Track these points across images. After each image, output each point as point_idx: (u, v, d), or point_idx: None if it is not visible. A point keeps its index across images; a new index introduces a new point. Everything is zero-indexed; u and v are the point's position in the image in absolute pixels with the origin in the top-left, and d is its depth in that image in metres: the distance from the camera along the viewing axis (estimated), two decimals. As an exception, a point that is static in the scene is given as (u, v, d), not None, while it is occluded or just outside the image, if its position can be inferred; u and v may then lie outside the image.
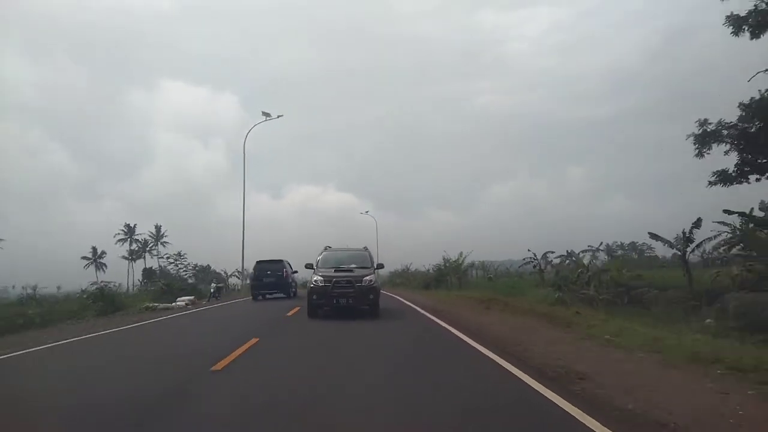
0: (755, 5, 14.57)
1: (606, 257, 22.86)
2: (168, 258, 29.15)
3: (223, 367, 6.62)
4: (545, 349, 7.83)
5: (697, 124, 15.66)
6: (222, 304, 21.27)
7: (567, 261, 33.49)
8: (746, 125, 15.31)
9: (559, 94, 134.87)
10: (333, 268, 13.62)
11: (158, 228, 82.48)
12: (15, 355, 8.89)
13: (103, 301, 17.18)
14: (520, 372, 6.21)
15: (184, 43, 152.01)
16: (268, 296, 23.24)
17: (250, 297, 23.95)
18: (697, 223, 22.91)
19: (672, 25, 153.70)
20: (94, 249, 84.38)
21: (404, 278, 44.46)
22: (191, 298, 22.34)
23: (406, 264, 47.84)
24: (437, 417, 4.57)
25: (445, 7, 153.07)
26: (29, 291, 44.66)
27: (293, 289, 24.24)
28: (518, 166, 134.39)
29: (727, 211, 18.56)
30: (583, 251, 24.12)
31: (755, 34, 15.30)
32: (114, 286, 24.10)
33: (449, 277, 33.34)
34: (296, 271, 25.00)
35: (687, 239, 23.35)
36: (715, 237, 20.61)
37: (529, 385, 5.57)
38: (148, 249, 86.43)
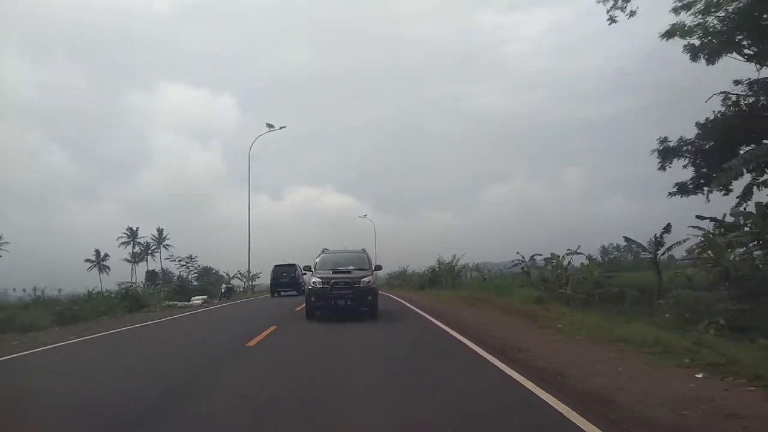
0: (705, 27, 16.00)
1: (586, 259, 24.78)
2: (180, 260, 31.12)
3: (254, 344, 8.83)
4: (505, 334, 9.99)
5: (658, 141, 17.80)
6: (233, 302, 23.51)
7: (554, 262, 35.46)
8: (702, 143, 17.43)
9: (559, 95, 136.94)
10: (331, 269, 13.79)
11: (160, 231, 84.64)
12: (101, 335, 11.41)
13: (129, 300, 19.41)
14: (477, 347, 8.39)
15: (184, 44, 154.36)
16: (282, 293, 27.46)
17: (257, 297, 26.45)
18: (667, 228, 25.12)
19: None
20: (97, 252, 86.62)
21: (401, 280, 46.38)
22: (204, 297, 24.58)
23: (403, 266, 49.77)
24: (409, 360, 7.02)
25: (445, 7, 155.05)
26: (38, 293, 46.68)
27: (303, 288, 27.11)
28: (518, 167, 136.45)
29: (700, 217, 20.65)
30: (566, 254, 25.99)
31: (710, 61, 17.41)
32: (138, 287, 26.24)
33: (444, 279, 35.39)
34: (305, 273, 27.87)
35: (658, 243, 25.61)
36: (684, 241, 22.63)
37: (480, 354, 7.73)
38: (150, 252, 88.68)
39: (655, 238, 25.73)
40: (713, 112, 17.38)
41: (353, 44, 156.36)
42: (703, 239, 23.45)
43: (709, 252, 21.21)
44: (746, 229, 16.51)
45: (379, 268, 15.96)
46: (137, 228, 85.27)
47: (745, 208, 16.38)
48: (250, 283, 36.43)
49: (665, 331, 10.16)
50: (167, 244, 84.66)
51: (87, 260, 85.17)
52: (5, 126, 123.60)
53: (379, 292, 15.22)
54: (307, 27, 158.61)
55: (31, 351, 9.28)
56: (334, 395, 5.61)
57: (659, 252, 25.32)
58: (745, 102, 16.32)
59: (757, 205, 15.83)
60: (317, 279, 13.26)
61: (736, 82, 16.72)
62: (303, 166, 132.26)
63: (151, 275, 75.04)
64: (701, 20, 14.10)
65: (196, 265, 31.10)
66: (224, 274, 58.56)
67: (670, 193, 18.29)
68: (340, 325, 12.12)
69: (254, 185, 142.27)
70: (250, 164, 34.41)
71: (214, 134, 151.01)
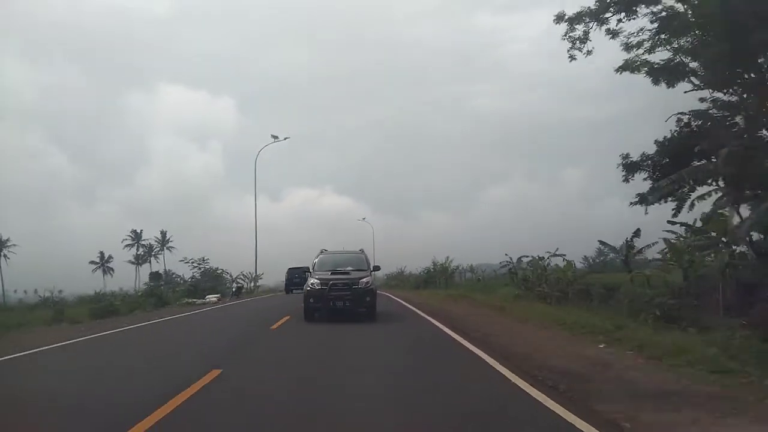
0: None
1: (563, 260, 27.21)
2: (193, 262, 33.65)
3: (276, 328, 11.49)
4: (473, 320, 12.62)
5: (621, 157, 20.26)
6: (243, 300, 26.12)
7: (540, 263, 38.03)
8: (659, 159, 19.93)
9: (559, 95, 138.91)
10: (329, 270, 13.89)
11: (164, 233, 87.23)
12: (154, 322, 14.30)
13: (155, 298, 22.05)
14: (447, 329, 11.03)
15: (183, 45, 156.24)
16: (295, 291, 30.82)
17: (261, 296, 29.08)
18: (637, 233, 27.81)
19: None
20: (102, 254, 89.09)
21: (399, 280, 48.95)
22: (218, 295, 27.18)
23: (400, 267, 52.29)
24: (397, 339, 9.41)
25: (445, 7, 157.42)
26: (47, 294, 49.06)
27: None
28: (517, 167, 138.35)
29: (671, 222, 23.20)
30: (550, 255, 28.51)
31: (670, 85, 19.87)
32: (163, 287, 28.85)
33: (438, 279, 37.96)
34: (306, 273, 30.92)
35: (629, 246, 28.23)
36: (654, 244, 25.23)
37: (448, 333, 10.33)
38: (153, 254, 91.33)
39: (626, 241, 28.47)
40: (670, 130, 19.88)
41: (353, 45, 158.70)
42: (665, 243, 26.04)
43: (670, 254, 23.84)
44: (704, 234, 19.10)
45: (377, 268, 16.01)
46: (141, 230, 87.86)
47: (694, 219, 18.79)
48: (255, 283, 38.94)
49: (603, 319, 12.73)
50: (170, 246, 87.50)
51: (91, 262, 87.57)
52: (4, 126, 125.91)
53: (378, 291, 15.34)
54: (306, 27, 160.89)
55: (113, 331, 12.26)
56: (338, 354, 8.26)
57: (630, 254, 28.08)
58: (695, 123, 18.79)
59: (702, 214, 18.41)
60: (315, 280, 13.36)
61: (701, 100, 19.24)
62: (302, 167, 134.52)
63: (154, 276, 77.59)
64: (645, 59, 16.60)
65: (208, 267, 33.64)
66: (227, 275, 61.24)
67: (631, 203, 20.72)
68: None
69: (252, 187, 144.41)
70: (256, 174, 36.78)
71: (214, 135, 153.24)
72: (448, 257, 38.18)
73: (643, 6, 15.80)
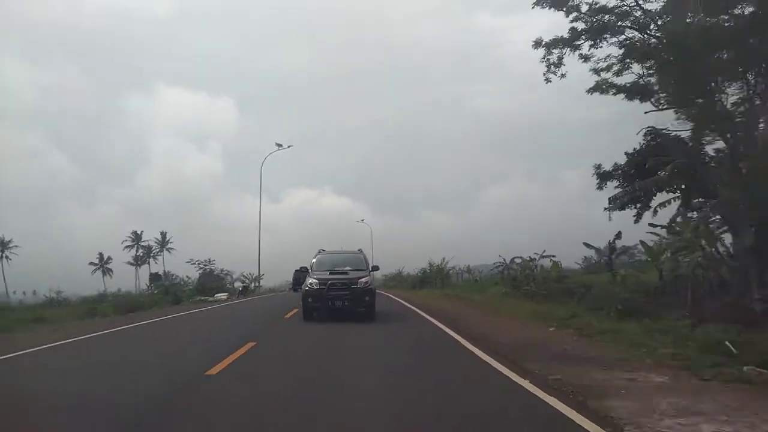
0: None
1: (550, 261, 29.53)
2: (199, 263, 35.97)
3: (289, 317, 13.83)
4: (454, 312, 14.93)
5: (594, 167, 22.59)
6: (250, 299, 28.48)
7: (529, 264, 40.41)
8: (627, 169, 22.27)
9: (559, 95, 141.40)
10: (328, 270, 14.09)
11: (164, 234, 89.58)
12: (180, 315, 16.74)
13: (171, 296, 24.39)
14: (433, 318, 13.34)
15: (183, 46, 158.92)
16: (299, 290, 32.61)
17: (262, 296, 31.43)
18: (618, 235, 30.17)
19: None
20: (101, 255, 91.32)
21: (397, 281, 51.28)
22: (226, 294, 29.53)
23: (399, 268, 54.62)
24: (390, 325, 11.78)
25: (445, 7, 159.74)
26: (52, 294, 51.28)
27: None
28: (517, 168, 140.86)
29: (652, 225, 25.56)
30: (540, 256, 30.85)
31: (642, 100, 22.19)
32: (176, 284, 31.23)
33: (434, 279, 40.30)
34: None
35: (611, 248, 30.62)
36: (633, 246, 27.60)
37: (433, 322, 12.70)
38: (152, 255, 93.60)
39: (609, 243, 30.87)
40: (639, 143, 22.21)
41: (353, 45, 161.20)
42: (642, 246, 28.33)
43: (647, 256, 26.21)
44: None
45: (376, 268, 16.37)
46: (141, 232, 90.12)
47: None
48: (258, 283, 41.25)
49: (567, 311, 15.10)
50: (170, 248, 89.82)
51: (91, 263, 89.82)
52: (4, 126, 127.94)
53: (377, 291, 15.54)
54: (306, 27, 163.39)
55: (156, 319, 14.85)
56: (341, 332, 10.61)
57: (613, 255, 30.48)
58: (657, 139, 21.09)
59: (671, 219, 20.73)
60: (314, 280, 13.54)
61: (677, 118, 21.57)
62: (302, 168, 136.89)
63: (155, 277, 79.82)
64: (613, 82, 18.94)
65: (213, 268, 35.98)
66: (227, 276, 63.49)
67: (605, 208, 23.03)
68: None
69: (252, 187, 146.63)
70: (261, 180, 39.14)
71: (214, 135, 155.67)
72: (444, 258, 40.57)
73: (608, 35, 18.14)
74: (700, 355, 8.07)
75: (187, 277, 43.51)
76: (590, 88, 19.67)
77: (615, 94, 19.22)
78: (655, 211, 20.66)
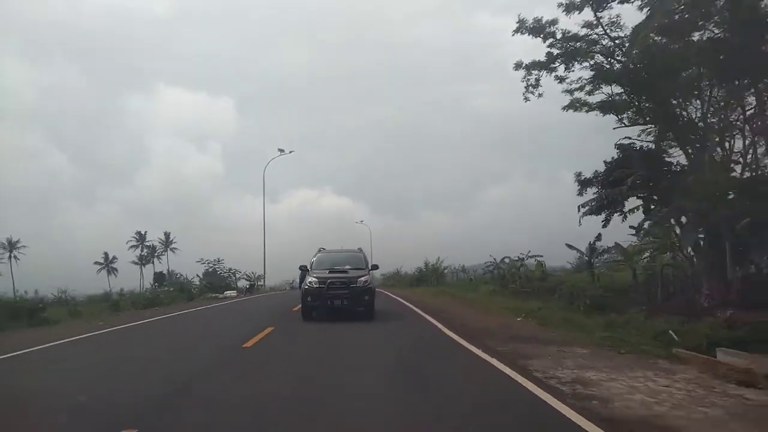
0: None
1: (535, 261, 31.90)
2: (208, 263, 38.34)
3: (296, 311, 16.12)
4: (440, 307, 17.26)
5: (575, 174, 24.89)
6: (256, 296, 30.81)
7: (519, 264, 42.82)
8: (606, 177, 24.57)
9: (559, 95, 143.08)
10: (327, 269, 14.22)
11: (167, 235, 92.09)
12: (202, 308, 19.07)
13: (185, 293, 26.78)
14: (421, 311, 15.68)
15: (183, 46, 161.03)
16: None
17: (268, 293, 33.85)
18: (598, 237, 32.48)
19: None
20: (106, 254, 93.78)
21: (395, 280, 53.64)
22: (235, 292, 31.93)
23: (397, 267, 56.94)
24: (386, 316, 14.15)
25: (445, 7, 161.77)
26: (58, 294, 53.63)
27: None
28: (517, 168, 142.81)
29: (633, 227, 27.88)
30: (528, 257, 33.24)
31: (617, 114, 24.43)
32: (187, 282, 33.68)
33: (429, 278, 42.64)
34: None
35: (592, 249, 32.93)
36: (611, 248, 29.84)
37: (421, 314, 15.06)
38: (156, 255, 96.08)
39: (590, 244, 33.18)
40: (616, 153, 24.49)
41: (353, 45, 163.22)
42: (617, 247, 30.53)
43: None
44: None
45: (375, 267, 16.53)
46: (146, 232, 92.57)
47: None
48: (263, 282, 43.60)
49: (539, 305, 17.42)
50: (174, 248, 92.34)
51: (96, 262, 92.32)
52: (4, 126, 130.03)
53: (376, 289, 15.79)
54: (306, 27, 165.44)
55: (183, 312, 17.48)
56: (342, 317, 12.97)
57: (593, 256, 32.75)
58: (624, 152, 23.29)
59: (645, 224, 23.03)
60: (313, 279, 13.62)
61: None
62: (302, 168, 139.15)
63: (159, 276, 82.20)
64: (586, 100, 21.24)
65: (223, 267, 38.42)
66: (234, 275, 65.68)
67: (584, 213, 25.31)
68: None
69: (252, 187, 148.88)
70: (264, 184, 41.37)
71: (213, 136, 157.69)
72: (439, 258, 42.92)
73: (580, 60, 20.43)
74: (643, 339, 10.16)
75: (198, 275, 45.89)
76: (565, 106, 21.98)
77: (587, 111, 21.54)
78: (625, 216, 23.03)
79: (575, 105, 21.66)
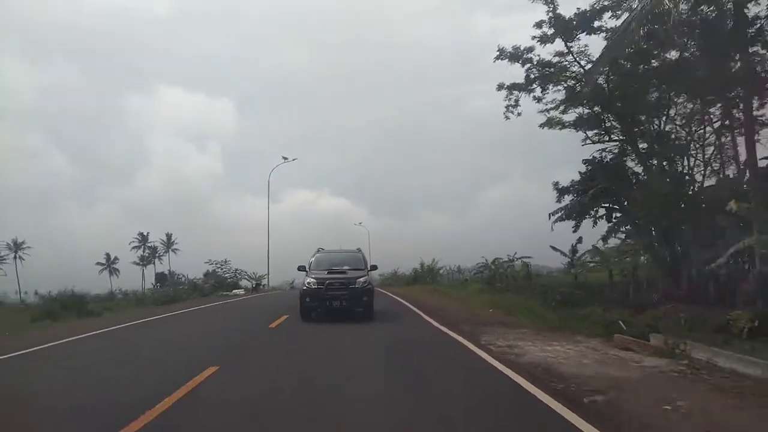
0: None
1: (521, 262, 34.94)
2: (216, 263, 41.40)
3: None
4: (429, 302, 20.26)
5: (552, 183, 27.82)
6: (262, 294, 33.78)
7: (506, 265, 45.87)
8: (580, 186, 27.53)
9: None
10: (326, 270, 14.30)
11: (169, 236, 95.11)
12: (220, 303, 22.17)
13: (198, 291, 29.84)
14: (411, 305, 18.73)
15: (183, 46, 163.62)
16: None
17: (273, 292, 36.84)
18: (579, 240, 35.48)
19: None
20: (108, 255, 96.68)
21: (393, 280, 56.62)
22: (243, 290, 34.98)
23: (394, 268, 59.89)
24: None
25: (445, 7, 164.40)
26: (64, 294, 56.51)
27: None
28: (517, 168, 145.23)
29: (618, 230, 30.86)
30: (516, 258, 36.25)
31: (589, 129, 27.28)
32: (202, 282, 36.81)
33: (425, 278, 45.62)
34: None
35: (573, 252, 35.95)
36: (589, 251, 32.82)
37: (412, 309, 18.09)
38: (157, 255, 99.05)
39: (572, 246, 36.21)
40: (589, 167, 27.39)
41: (353, 45, 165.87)
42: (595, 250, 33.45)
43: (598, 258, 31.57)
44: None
45: (374, 267, 16.69)
46: (148, 233, 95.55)
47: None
48: (268, 282, 46.53)
49: (512, 300, 20.41)
50: (175, 249, 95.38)
51: (98, 263, 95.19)
52: (4, 126, 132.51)
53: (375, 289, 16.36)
54: (306, 27, 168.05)
55: (206, 306, 20.41)
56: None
57: (574, 258, 35.77)
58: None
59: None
60: (312, 279, 13.76)
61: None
62: (302, 168, 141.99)
63: (161, 277, 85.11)
64: (560, 119, 24.20)
65: (230, 268, 41.49)
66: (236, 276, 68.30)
67: (555, 220, 28.11)
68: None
69: (252, 187, 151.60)
70: (269, 190, 44.25)
71: (213, 136, 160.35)
72: (434, 259, 45.98)
73: (553, 83, 23.42)
74: (595, 327, 12.83)
75: (201, 276, 48.73)
76: (542, 124, 25.00)
77: (561, 128, 24.54)
78: (596, 222, 26.03)
79: (551, 123, 24.66)
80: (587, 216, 24.50)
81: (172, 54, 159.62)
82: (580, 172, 28.05)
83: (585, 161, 23.97)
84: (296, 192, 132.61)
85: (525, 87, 24.08)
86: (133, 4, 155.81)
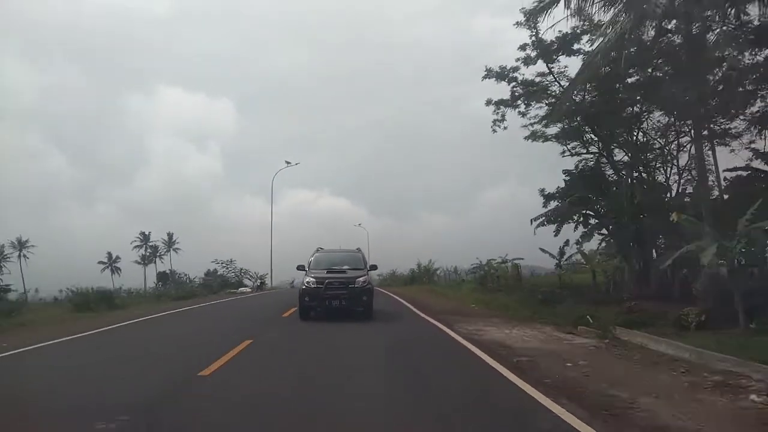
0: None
1: (512, 263, 37.32)
2: (222, 263, 43.99)
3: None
4: (422, 299, 22.82)
5: (539, 190, 30.28)
6: (266, 292, 36.34)
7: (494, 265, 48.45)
8: (565, 192, 30.05)
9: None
10: (325, 269, 14.50)
11: (170, 235, 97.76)
12: (236, 298, 24.75)
13: (207, 288, 32.47)
14: (406, 302, 21.30)
15: (183, 46, 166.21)
16: None
17: (275, 291, 39.41)
18: (567, 243, 38.02)
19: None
20: (110, 254, 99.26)
21: (391, 280, 59.08)
22: (249, 288, 37.54)
23: (393, 269, 62.34)
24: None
25: (445, 8, 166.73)
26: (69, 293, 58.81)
27: None
28: (516, 169, 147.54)
29: (602, 234, 33.37)
30: (508, 259, 38.81)
31: (572, 141, 29.75)
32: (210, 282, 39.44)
33: (422, 278, 48.14)
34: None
35: (561, 253, 38.47)
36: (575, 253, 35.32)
37: (407, 305, 20.64)
38: (158, 255, 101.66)
39: (560, 248, 38.72)
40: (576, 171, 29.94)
41: (353, 45, 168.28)
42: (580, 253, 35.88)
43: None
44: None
45: (374, 267, 16.80)
46: (149, 232, 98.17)
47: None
48: (271, 281, 49.08)
49: (497, 298, 22.94)
50: (177, 248, 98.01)
51: (100, 262, 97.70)
52: (4, 127, 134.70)
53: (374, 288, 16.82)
54: (306, 27, 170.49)
55: (223, 300, 23.24)
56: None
57: (562, 259, 38.26)
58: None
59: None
60: (311, 278, 13.87)
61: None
62: (302, 168, 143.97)
63: (162, 276, 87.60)
64: (544, 132, 26.69)
65: (234, 267, 44.08)
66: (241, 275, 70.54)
67: (537, 225, 30.45)
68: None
69: (252, 187, 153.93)
70: (273, 195, 46.82)
71: (213, 136, 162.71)
72: (431, 260, 48.56)
73: (535, 101, 25.95)
74: (566, 320, 15.35)
75: (203, 275, 51.19)
76: (526, 137, 27.57)
77: (544, 141, 27.08)
78: (576, 227, 28.56)
79: (534, 135, 27.22)
80: (568, 221, 27.00)
81: (172, 54, 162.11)
82: (564, 180, 30.63)
83: (565, 171, 26.47)
84: (296, 192, 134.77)
85: (511, 103, 26.55)
86: (133, 4, 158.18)
